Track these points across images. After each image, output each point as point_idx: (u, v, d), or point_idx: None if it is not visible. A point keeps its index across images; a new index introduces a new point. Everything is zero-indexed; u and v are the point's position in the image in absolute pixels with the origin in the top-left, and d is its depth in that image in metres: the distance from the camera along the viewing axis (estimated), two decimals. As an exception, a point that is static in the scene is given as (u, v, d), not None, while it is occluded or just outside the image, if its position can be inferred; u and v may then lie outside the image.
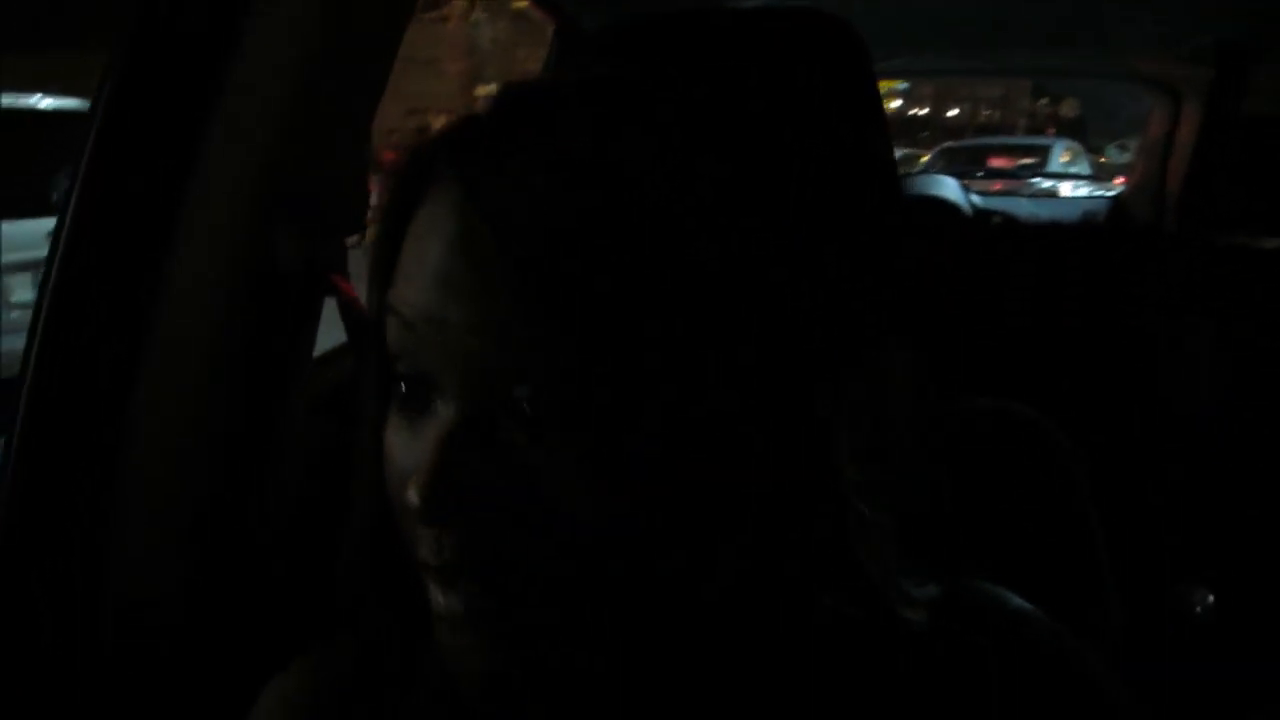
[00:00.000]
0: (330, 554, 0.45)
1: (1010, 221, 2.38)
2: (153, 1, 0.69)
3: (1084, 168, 7.89)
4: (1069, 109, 19.15)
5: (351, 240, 0.82)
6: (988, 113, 22.62)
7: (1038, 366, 1.75)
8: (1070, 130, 14.57)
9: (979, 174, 5.03)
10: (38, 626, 0.69)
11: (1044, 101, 21.28)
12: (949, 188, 2.38)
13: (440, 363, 0.35)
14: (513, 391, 0.34)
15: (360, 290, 0.75)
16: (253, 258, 0.74)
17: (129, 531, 0.72)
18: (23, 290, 3.76)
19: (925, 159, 8.97)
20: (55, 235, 0.70)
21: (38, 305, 0.70)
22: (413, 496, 0.34)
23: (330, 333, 0.84)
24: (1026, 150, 8.47)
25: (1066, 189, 5.02)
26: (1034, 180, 5.35)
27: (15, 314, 3.66)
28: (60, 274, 0.70)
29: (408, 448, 0.37)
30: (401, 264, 0.38)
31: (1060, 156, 7.91)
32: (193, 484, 0.75)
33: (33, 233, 3.28)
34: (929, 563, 0.44)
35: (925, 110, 22.21)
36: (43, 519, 0.70)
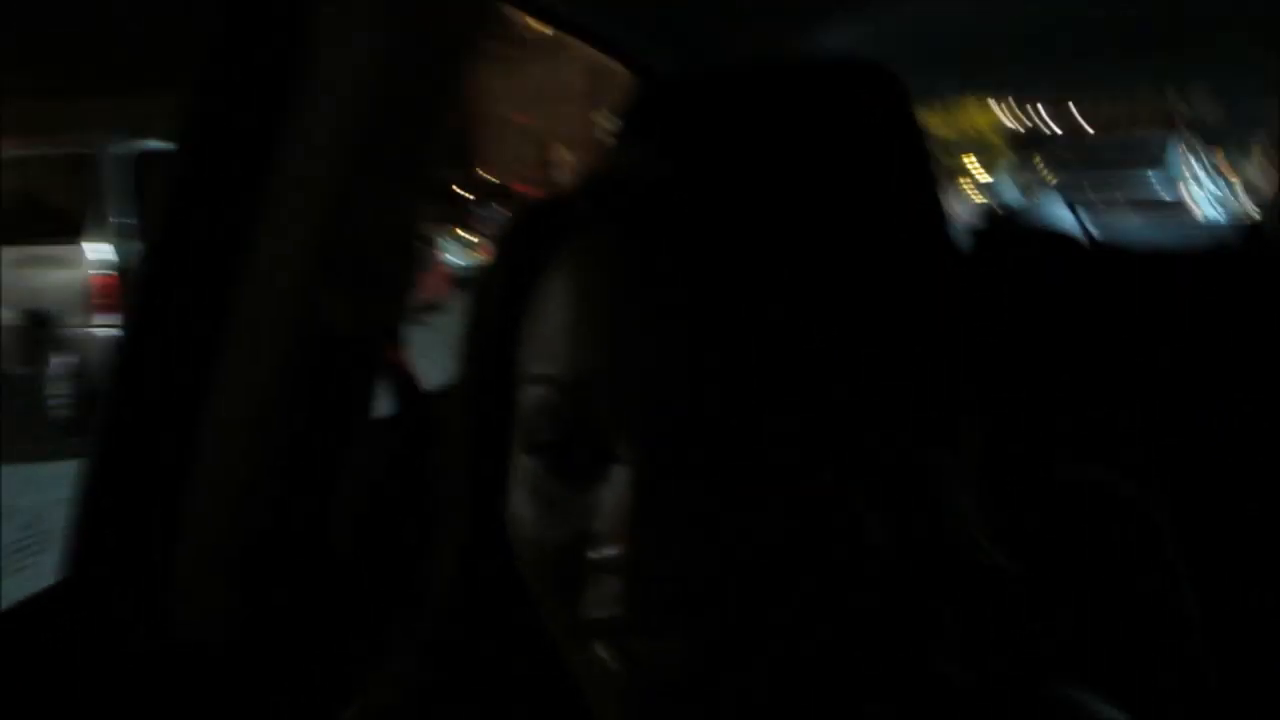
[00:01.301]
0: (374, 612, 0.46)
1: (1133, 256, 2.12)
2: (216, 66, 0.73)
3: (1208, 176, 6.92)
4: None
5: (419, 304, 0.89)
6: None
7: (1171, 424, 1.63)
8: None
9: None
10: (107, 642, 0.71)
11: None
12: (1063, 218, 2.18)
13: (613, 420, 0.35)
14: (691, 437, 0.35)
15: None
16: (307, 321, 0.74)
17: (193, 563, 0.75)
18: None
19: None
20: (130, 292, 0.76)
21: (117, 349, 0.75)
22: (612, 551, 0.34)
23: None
24: (1133, 150, 7.62)
25: (1191, 202, 4.28)
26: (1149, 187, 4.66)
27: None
28: (130, 328, 0.75)
29: (566, 511, 0.36)
30: (538, 325, 0.38)
31: (1178, 159, 6.84)
32: (248, 530, 0.76)
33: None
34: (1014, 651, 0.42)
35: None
36: (112, 548, 0.74)
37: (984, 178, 12.74)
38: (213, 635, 0.75)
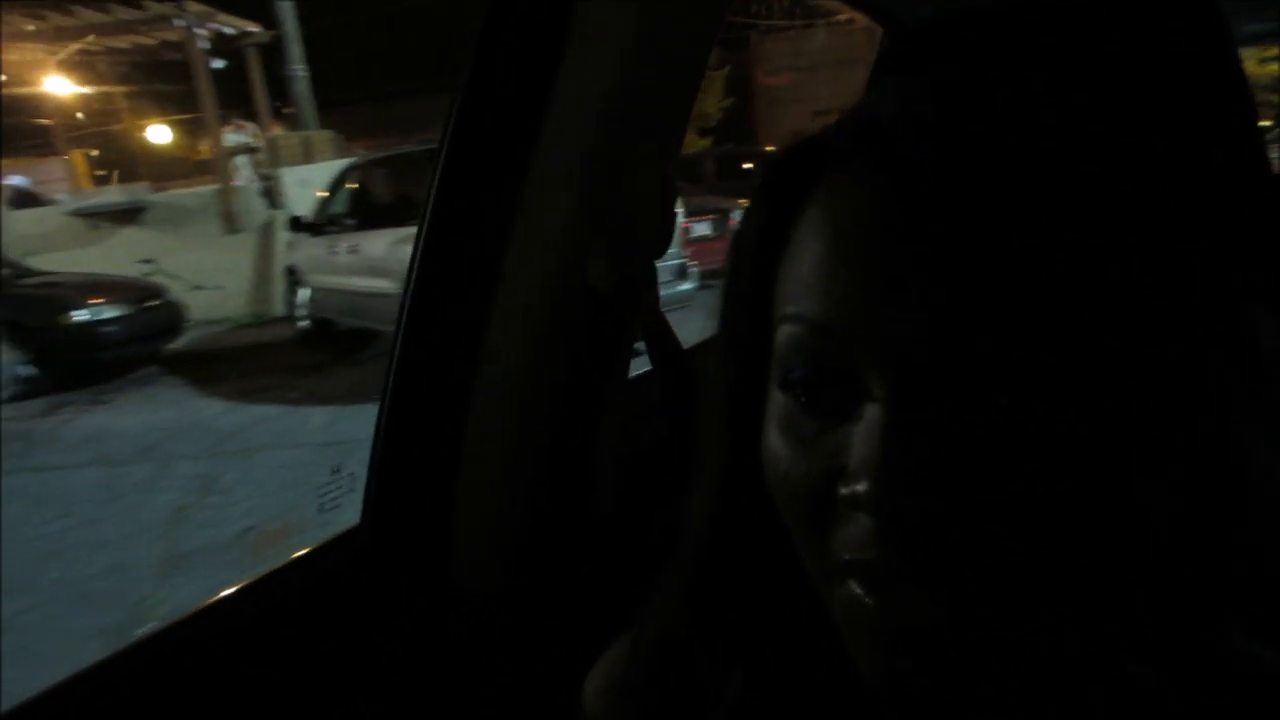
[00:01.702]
0: (641, 557, 0.47)
1: None
2: (484, 54, 0.77)
3: None
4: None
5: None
6: None
7: None
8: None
9: None
10: (396, 597, 0.78)
11: None
12: None
13: (868, 358, 0.35)
14: (948, 377, 0.33)
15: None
16: (571, 277, 0.79)
17: (468, 519, 0.81)
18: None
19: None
20: (410, 260, 0.80)
21: (399, 314, 0.80)
22: (862, 488, 0.33)
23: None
24: None
25: None
26: None
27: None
28: (415, 293, 0.80)
29: (816, 448, 0.36)
30: (793, 266, 0.38)
31: None
32: (518, 485, 0.81)
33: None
34: None
35: None
36: (399, 502, 0.80)
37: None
38: (489, 585, 0.81)
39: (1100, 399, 0.33)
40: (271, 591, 0.73)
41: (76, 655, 0.69)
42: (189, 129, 15.26)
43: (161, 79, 13.12)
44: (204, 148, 13.51)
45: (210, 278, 9.25)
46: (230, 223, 10.01)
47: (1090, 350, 0.33)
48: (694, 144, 16.42)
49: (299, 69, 11.42)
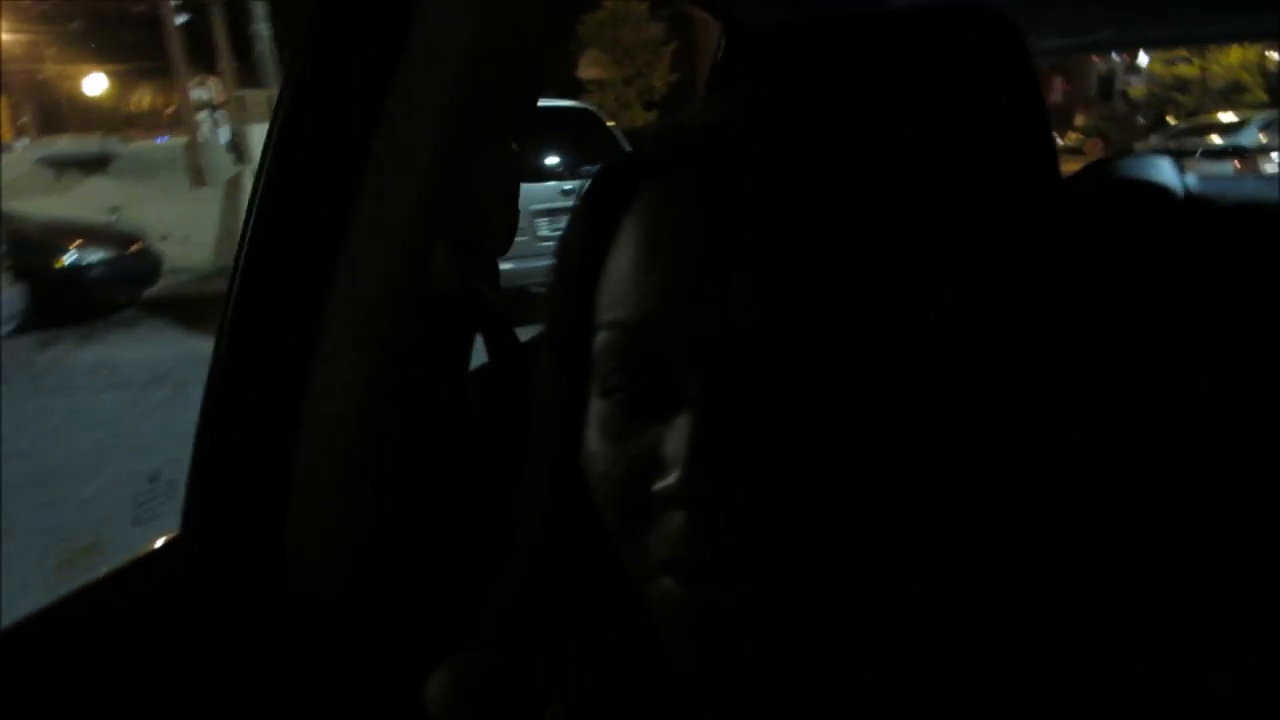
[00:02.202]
0: (482, 560, 0.47)
1: (1223, 206, 1.96)
2: (318, 38, 0.73)
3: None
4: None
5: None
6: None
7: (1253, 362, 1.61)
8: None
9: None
10: (225, 609, 0.72)
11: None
12: (1162, 169, 2.01)
13: (681, 356, 0.36)
14: (759, 377, 0.35)
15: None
16: (412, 274, 0.75)
17: (302, 526, 0.75)
18: (545, 229, 5.68)
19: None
20: (237, 252, 0.75)
21: (225, 301, 0.75)
22: (674, 480, 0.34)
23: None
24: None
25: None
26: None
27: (540, 245, 5.13)
28: (241, 287, 0.74)
29: (634, 447, 0.37)
30: (610, 276, 0.39)
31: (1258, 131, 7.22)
32: (356, 483, 0.77)
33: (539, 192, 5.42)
34: None
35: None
36: (227, 509, 0.75)
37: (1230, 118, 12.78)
38: (327, 590, 0.76)
39: (896, 384, 0.35)
40: (81, 612, 0.68)
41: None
42: (151, 82, 15.23)
43: (125, 29, 13.10)
44: (166, 101, 13.53)
45: (177, 228, 9.53)
46: (196, 176, 10.33)
47: (879, 341, 0.35)
48: (640, 117, 16.74)
49: (263, 27, 11.70)
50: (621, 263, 0.38)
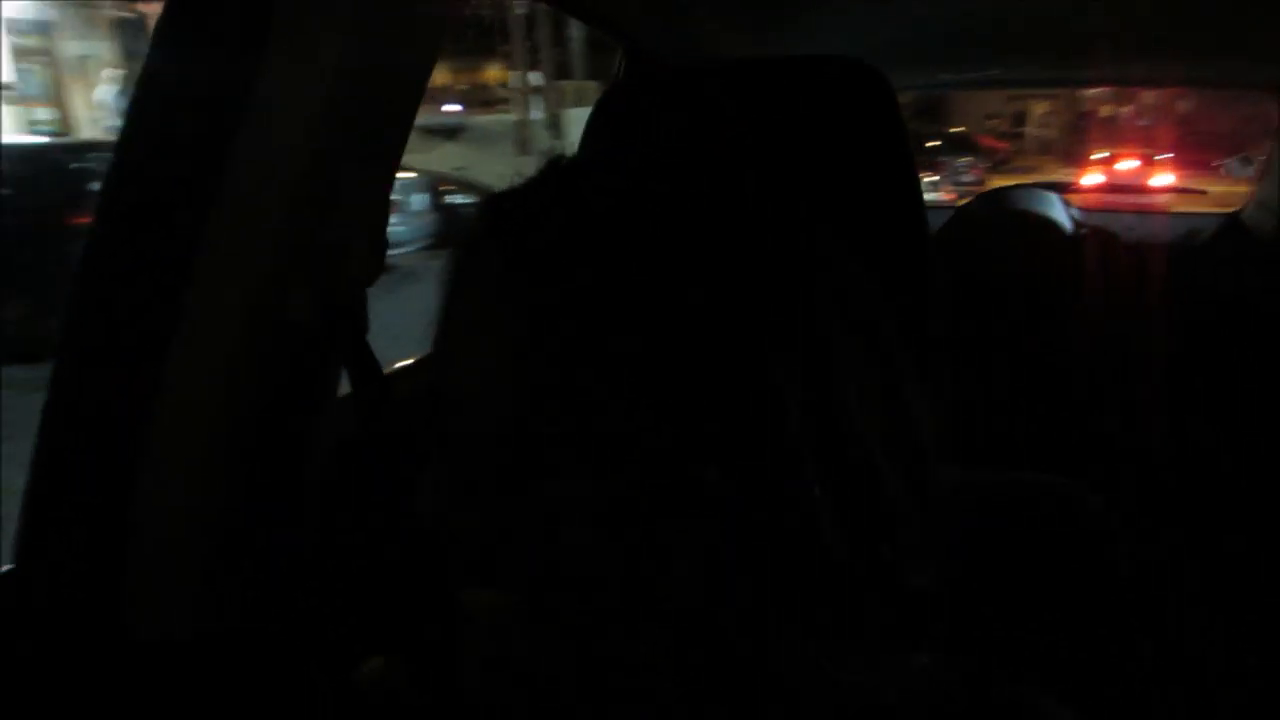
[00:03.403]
0: (351, 582, 0.55)
1: (1108, 237, 2.13)
2: (172, 38, 0.67)
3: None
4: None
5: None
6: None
7: (1135, 390, 1.65)
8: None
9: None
10: (56, 639, 0.67)
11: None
12: (1048, 202, 2.20)
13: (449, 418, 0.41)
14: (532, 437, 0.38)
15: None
16: (266, 304, 0.70)
17: (144, 565, 0.70)
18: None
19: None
20: (80, 258, 0.68)
21: (62, 320, 0.69)
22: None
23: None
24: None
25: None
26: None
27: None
28: (78, 314, 0.69)
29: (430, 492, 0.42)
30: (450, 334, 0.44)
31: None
32: (208, 522, 0.72)
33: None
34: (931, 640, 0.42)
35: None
36: (59, 540, 0.70)
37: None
38: (172, 632, 0.72)
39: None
40: None
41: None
42: (488, 67, 18.88)
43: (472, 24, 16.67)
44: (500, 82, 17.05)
45: (504, 185, 12.54)
46: (522, 147, 13.50)
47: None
48: None
49: (575, 30, 14.69)
50: (455, 325, 0.44)
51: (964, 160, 13.16)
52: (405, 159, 0.82)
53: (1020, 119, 21.15)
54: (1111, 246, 2.06)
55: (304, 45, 0.66)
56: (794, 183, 0.43)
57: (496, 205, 0.44)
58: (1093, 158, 14.14)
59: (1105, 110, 19.21)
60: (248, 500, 0.74)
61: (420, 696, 0.47)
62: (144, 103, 0.67)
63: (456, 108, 16.08)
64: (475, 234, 0.43)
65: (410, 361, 1.01)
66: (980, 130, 19.35)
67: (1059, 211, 2.15)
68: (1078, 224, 2.15)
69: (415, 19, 0.76)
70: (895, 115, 0.74)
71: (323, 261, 0.72)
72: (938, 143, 14.51)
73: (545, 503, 0.38)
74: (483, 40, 17.06)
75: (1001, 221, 2.06)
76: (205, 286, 0.67)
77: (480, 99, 17.89)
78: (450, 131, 13.85)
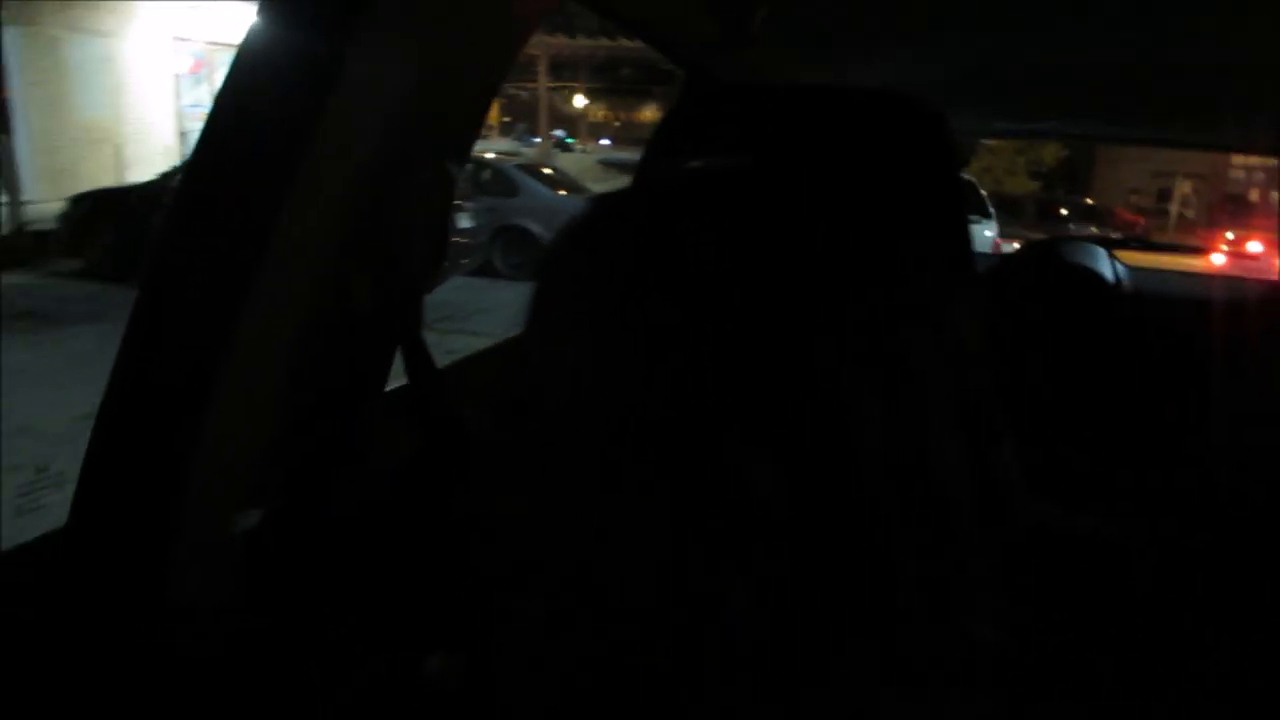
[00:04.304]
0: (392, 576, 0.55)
1: (1151, 295, 2.13)
2: (247, 62, 0.67)
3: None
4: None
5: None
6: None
7: (1177, 443, 1.69)
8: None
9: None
10: (100, 623, 0.68)
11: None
12: (1095, 256, 2.19)
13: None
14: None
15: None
16: (328, 299, 0.73)
17: (192, 546, 0.70)
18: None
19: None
20: (147, 258, 0.69)
21: (132, 313, 0.69)
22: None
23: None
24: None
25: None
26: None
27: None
28: (152, 280, 0.69)
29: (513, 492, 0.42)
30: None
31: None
32: (255, 496, 0.74)
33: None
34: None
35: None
36: (111, 521, 0.70)
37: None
38: (213, 607, 0.73)
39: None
40: None
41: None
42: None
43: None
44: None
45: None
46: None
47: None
48: (1024, 185, 18.96)
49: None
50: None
51: (1084, 229, 12.89)
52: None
53: (1165, 195, 21.29)
54: (1151, 302, 2.10)
55: (400, 30, 0.69)
56: (863, 201, 0.45)
57: (588, 218, 0.45)
58: (1227, 236, 14.38)
59: (1253, 195, 19.68)
60: (294, 488, 0.77)
61: (476, 692, 0.49)
62: (237, 78, 0.67)
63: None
64: (564, 245, 0.44)
65: (463, 358, 1.07)
66: (1120, 202, 19.68)
67: (1104, 265, 2.18)
68: (1119, 279, 2.18)
69: (498, 20, 0.81)
70: (948, 151, 0.75)
71: (387, 253, 0.76)
72: (1064, 210, 14.46)
73: (619, 511, 0.38)
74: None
75: (1043, 269, 2.06)
76: (275, 267, 0.68)
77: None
78: (627, 167, 16.42)
